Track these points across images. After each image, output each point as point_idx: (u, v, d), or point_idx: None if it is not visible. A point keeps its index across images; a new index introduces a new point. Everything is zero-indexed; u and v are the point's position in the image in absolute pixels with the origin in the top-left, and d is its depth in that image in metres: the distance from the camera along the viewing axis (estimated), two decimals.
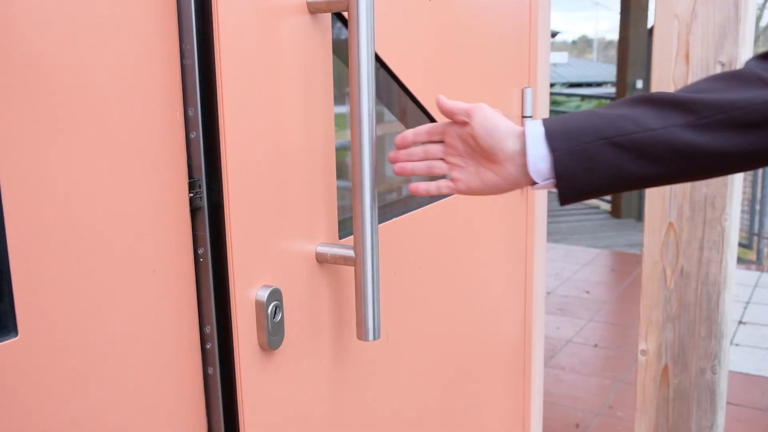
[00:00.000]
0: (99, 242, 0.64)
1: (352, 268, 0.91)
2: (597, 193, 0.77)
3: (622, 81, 7.00)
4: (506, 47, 1.45)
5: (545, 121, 0.78)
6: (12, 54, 0.55)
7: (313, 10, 0.85)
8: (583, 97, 15.55)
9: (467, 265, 1.35)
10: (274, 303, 0.80)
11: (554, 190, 0.79)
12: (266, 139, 0.80)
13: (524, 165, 0.79)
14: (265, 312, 0.79)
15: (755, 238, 5.82)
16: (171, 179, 0.71)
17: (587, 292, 4.37)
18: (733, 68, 1.48)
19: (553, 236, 6.16)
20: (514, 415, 1.70)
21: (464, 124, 0.83)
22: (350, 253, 0.87)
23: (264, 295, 0.80)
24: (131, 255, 0.67)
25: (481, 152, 0.82)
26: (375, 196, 0.84)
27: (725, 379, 1.71)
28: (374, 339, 0.86)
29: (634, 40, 6.83)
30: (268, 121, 0.80)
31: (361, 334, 0.86)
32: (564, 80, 20.79)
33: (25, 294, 0.57)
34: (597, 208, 7.84)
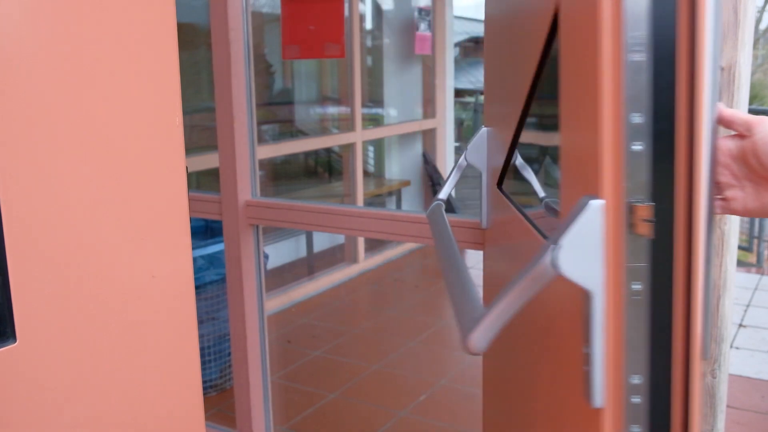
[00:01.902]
0: (98, 249, 0.63)
1: None
2: None
3: None
4: None
5: None
6: (13, 58, 0.55)
7: None
8: None
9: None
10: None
11: None
12: None
13: None
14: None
15: (755, 241, 5.82)
16: (171, 183, 0.71)
17: None
18: (732, 72, 1.48)
19: None
20: None
21: (742, 137, 0.77)
22: None
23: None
24: (130, 260, 0.67)
25: (763, 171, 0.76)
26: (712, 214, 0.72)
27: (725, 382, 1.71)
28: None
29: None
30: None
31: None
32: None
33: (24, 301, 0.57)
34: None
